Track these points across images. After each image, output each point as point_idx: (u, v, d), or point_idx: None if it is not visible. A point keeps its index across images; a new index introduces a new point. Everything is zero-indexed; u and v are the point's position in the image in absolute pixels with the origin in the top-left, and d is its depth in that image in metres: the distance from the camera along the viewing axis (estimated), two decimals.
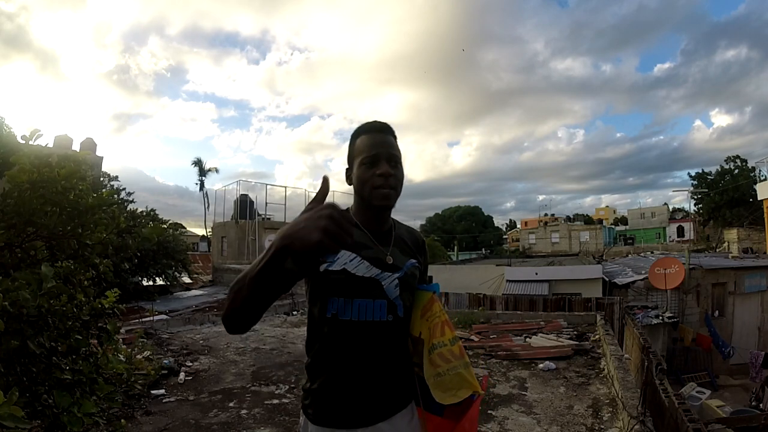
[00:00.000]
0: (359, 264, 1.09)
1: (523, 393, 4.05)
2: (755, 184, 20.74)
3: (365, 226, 1.15)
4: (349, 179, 1.19)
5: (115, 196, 2.40)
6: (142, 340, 5.24)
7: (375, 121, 1.19)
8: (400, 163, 1.15)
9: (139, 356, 4.63)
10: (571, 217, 59.68)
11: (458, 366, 1.11)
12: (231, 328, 0.92)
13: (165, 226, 16.40)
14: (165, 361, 4.80)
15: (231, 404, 3.85)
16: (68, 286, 1.93)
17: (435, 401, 1.11)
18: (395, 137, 1.19)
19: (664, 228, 44.37)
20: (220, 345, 6.11)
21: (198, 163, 36.97)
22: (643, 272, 12.42)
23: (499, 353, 5.31)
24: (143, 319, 8.10)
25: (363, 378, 1.09)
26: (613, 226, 54.35)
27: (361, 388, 1.09)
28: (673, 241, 37.32)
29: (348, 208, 1.17)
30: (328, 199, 0.83)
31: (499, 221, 67.73)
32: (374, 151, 1.11)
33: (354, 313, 1.08)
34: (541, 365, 4.82)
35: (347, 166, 1.20)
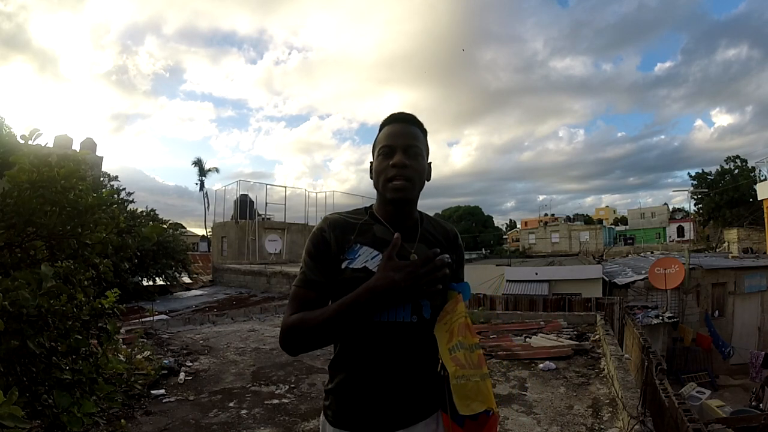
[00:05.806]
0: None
1: (523, 393, 4.04)
2: (755, 184, 20.76)
3: (387, 221, 1.09)
4: (371, 172, 1.13)
5: (115, 196, 2.40)
6: (142, 340, 5.24)
7: (400, 112, 1.12)
8: (421, 155, 1.08)
9: (139, 356, 4.63)
10: (571, 217, 59.73)
11: (476, 375, 1.02)
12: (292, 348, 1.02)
13: (165, 226, 16.39)
14: (165, 361, 4.80)
15: (231, 404, 3.85)
16: (68, 286, 1.93)
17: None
18: (422, 129, 1.12)
19: (664, 228, 44.39)
20: (220, 345, 6.11)
21: (198, 163, 37.12)
22: (643, 272, 12.42)
23: (499, 353, 5.31)
24: (143, 319, 8.09)
25: (383, 381, 1.03)
26: (613, 226, 54.42)
27: (381, 392, 1.03)
28: (673, 241, 37.34)
29: (372, 205, 1.17)
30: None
31: (499, 221, 67.97)
32: (391, 141, 1.06)
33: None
34: (541, 365, 4.82)
35: (371, 160, 1.14)
